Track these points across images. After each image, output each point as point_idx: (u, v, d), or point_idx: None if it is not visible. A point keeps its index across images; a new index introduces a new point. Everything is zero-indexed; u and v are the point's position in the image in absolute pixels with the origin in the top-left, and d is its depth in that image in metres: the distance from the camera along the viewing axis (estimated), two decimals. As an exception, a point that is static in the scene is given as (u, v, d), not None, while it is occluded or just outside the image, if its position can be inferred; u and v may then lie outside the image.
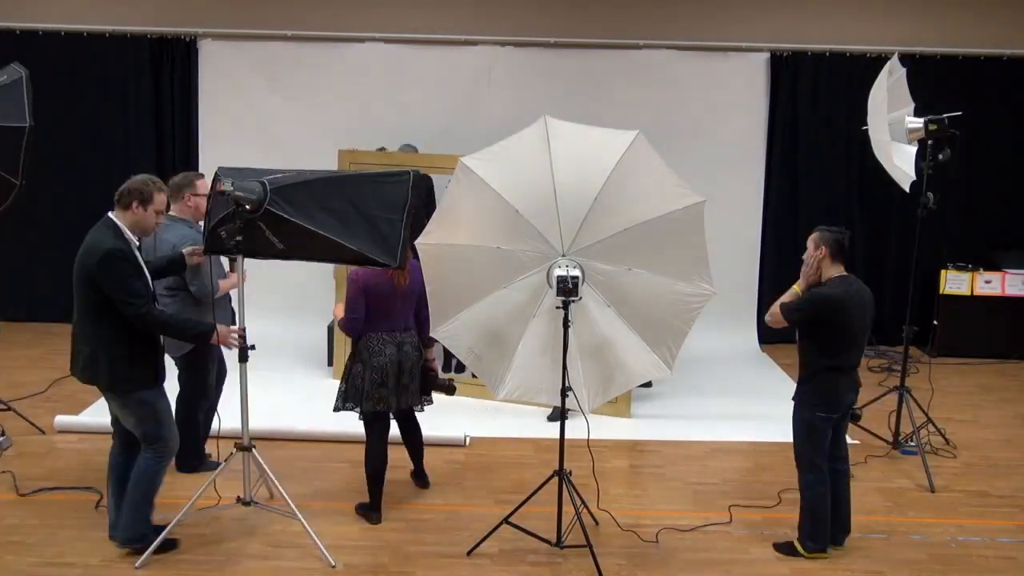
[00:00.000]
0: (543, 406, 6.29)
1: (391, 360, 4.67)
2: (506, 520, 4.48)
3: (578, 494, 4.51)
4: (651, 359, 4.28)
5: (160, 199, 4.16)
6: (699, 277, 4.23)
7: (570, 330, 4.16)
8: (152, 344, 4.22)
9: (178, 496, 4.81)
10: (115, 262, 4.00)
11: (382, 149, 7.42)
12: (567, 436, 5.24)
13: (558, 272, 4.04)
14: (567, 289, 3.99)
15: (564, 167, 4.14)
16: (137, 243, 4.17)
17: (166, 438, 4.27)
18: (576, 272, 4.05)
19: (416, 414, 5.11)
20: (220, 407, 5.02)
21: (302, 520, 4.41)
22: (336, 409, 4.87)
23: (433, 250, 4.33)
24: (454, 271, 4.33)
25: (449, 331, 4.35)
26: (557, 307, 4.07)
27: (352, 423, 5.96)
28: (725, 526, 4.78)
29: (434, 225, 4.36)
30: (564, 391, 4.22)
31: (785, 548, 4.55)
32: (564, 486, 4.44)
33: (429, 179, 7.15)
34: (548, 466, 5.34)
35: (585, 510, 4.56)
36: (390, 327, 4.69)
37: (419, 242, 4.36)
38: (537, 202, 4.13)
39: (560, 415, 4.39)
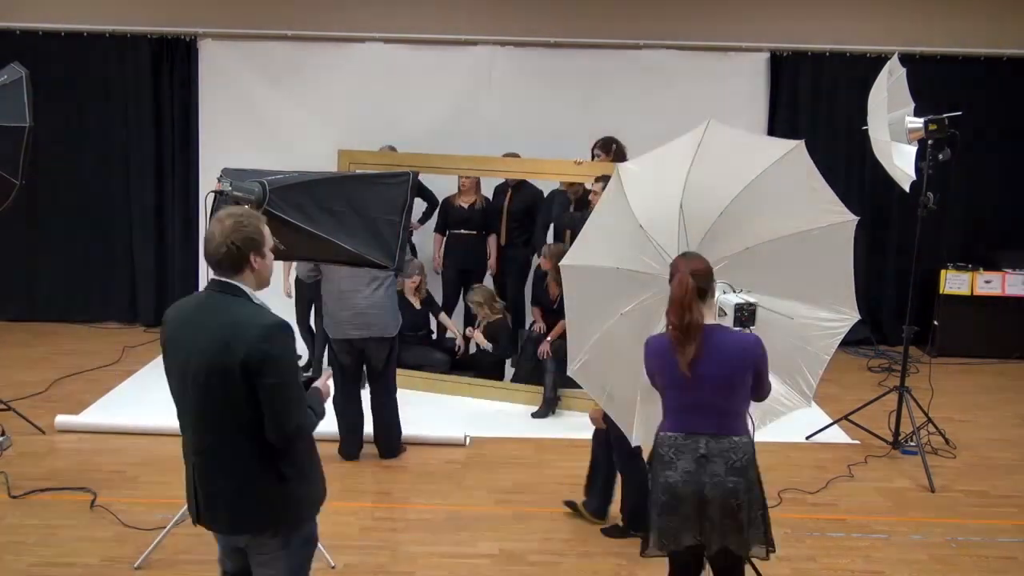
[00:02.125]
0: (540, 406, 6.31)
1: (685, 479, 3.18)
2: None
3: None
4: (784, 390, 3.85)
5: (267, 230, 2.94)
6: (839, 302, 3.82)
7: None
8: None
9: (177, 496, 4.80)
10: (287, 342, 2.83)
11: (391, 148, 7.43)
12: (561, 435, 5.27)
13: (735, 300, 3.40)
14: (744, 319, 3.35)
15: (699, 176, 3.66)
16: None
17: None
18: (753, 299, 3.43)
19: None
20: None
21: (302, 520, 4.41)
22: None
23: (570, 272, 3.89)
24: (585, 297, 3.86)
25: (580, 367, 3.81)
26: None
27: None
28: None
29: (579, 243, 3.92)
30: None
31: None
32: None
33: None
34: (548, 466, 5.36)
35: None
36: (687, 426, 3.22)
37: (562, 264, 3.92)
38: (662, 214, 3.65)
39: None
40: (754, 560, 3.53)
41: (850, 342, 8.44)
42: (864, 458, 5.72)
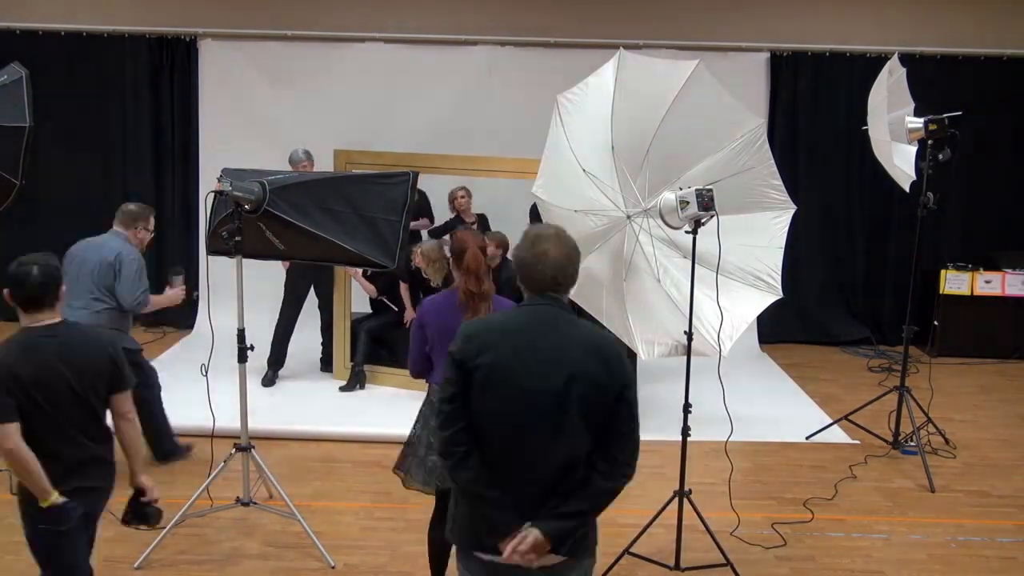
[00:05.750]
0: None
1: None
2: (627, 551, 4.30)
3: (701, 518, 4.33)
4: (755, 294, 4.28)
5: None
6: (776, 191, 4.20)
7: (667, 286, 4.03)
8: None
9: (177, 496, 4.81)
10: None
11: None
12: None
13: (693, 188, 3.68)
14: (706, 203, 3.64)
15: (622, 114, 3.98)
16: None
17: None
18: (709, 187, 3.74)
19: None
20: (217, 407, 4.55)
21: (301, 520, 4.41)
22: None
23: (543, 205, 4.16)
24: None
25: (576, 292, 4.09)
26: (687, 231, 3.80)
27: (352, 423, 5.98)
28: (726, 526, 4.77)
29: (543, 173, 4.17)
30: (690, 334, 3.97)
31: None
32: (685, 505, 4.28)
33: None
34: (548, 466, 5.33)
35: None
36: None
37: (536, 194, 4.14)
38: (598, 158, 3.99)
39: (682, 431, 4.12)
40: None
41: (850, 342, 8.46)
42: (864, 458, 5.72)
